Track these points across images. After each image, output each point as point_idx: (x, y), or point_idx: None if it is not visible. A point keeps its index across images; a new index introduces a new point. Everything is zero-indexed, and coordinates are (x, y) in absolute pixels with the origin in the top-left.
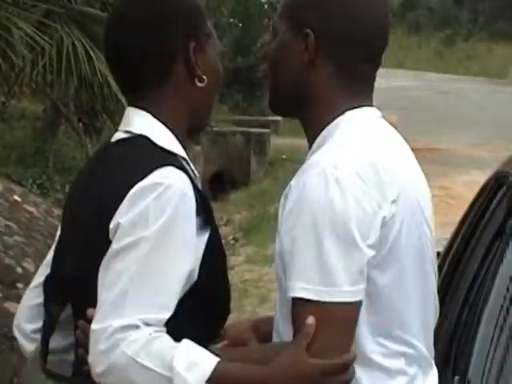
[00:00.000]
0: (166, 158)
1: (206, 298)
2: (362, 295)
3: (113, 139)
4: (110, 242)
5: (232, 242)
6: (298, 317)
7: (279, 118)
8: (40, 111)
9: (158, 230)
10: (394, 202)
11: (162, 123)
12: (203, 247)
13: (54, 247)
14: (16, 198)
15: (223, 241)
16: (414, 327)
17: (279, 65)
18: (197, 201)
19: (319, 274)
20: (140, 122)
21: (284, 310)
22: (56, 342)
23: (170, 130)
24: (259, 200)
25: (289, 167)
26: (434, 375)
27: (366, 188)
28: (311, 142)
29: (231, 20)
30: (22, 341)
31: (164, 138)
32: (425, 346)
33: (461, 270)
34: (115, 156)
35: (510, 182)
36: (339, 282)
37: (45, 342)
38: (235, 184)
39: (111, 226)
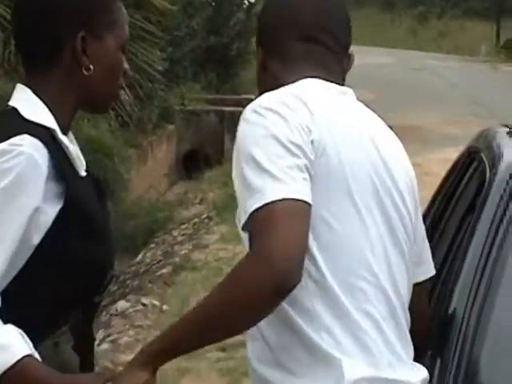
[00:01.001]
0: (25, 127)
1: (58, 265)
2: (308, 197)
3: None
4: None
5: (206, 220)
6: (250, 231)
7: (252, 96)
8: None
9: None
10: (324, 133)
11: (44, 102)
12: (53, 215)
13: None
14: None
15: (197, 219)
16: (369, 259)
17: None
18: (56, 170)
19: (259, 182)
20: (17, 97)
21: None
22: None
23: (53, 108)
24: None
25: None
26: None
27: (291, 110)
28: None
29: None
30: None
31: (33, 110)
32: (390, 289)
33: (433, 245)
34: None
35: (480, 157)
36: (280, 181)
37: None
38: (209, 162)
39: None
